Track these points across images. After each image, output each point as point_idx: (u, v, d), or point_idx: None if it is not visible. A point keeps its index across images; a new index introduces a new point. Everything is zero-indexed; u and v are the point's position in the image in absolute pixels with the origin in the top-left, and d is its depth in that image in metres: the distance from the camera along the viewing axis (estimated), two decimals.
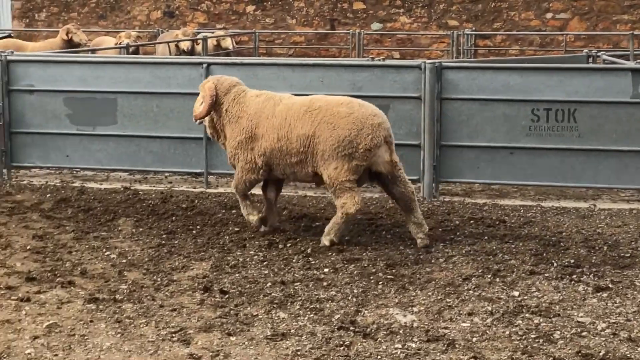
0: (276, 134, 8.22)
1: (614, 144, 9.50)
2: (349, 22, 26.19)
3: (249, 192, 8.69)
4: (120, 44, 16.85)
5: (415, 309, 6.59)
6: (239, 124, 8.40)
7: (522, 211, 9.44)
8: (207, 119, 8.62)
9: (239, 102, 8.47)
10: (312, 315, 6.48)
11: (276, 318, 6.44)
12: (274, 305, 6.68)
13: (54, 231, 8.76)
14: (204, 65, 10.17)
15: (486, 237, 8.41)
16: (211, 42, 20.22)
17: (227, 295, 6.91)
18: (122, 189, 10.54)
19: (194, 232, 8.72)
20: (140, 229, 8.84)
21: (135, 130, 10.46)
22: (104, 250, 8.15)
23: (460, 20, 25.46)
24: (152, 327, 6.26)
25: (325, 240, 8.18)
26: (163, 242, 8.39)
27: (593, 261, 7.68)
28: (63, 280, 7.28)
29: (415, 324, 6.29)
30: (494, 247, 8.07)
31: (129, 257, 7.93)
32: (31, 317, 6.46)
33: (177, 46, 19.02)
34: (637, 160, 9.49)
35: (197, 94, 9.99)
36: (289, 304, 6.72)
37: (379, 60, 10.24)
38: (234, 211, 9.46)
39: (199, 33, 21.26)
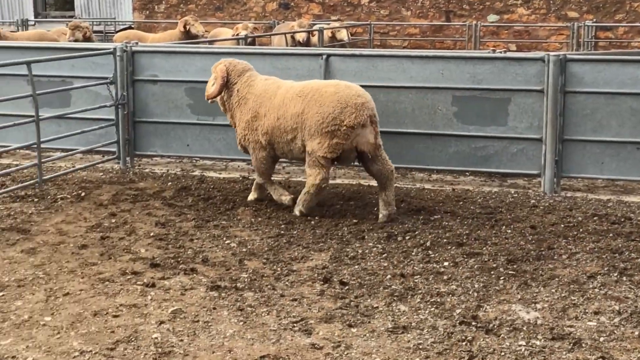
0: (276, 113, 8.88)
1: None
2: (464, 13, 25.88)
3: (273, 178, 9.51)
4: (237, 35, 17.07)
5: (538, 306, 6.46)
6: (246, 105, 9.11)
7: None
8: (218, 99, 9.30)
9: (249, 85, 9.17)
10: (432, 309, 6.43)
11: (397, 311, 6.40)
12: (394, 298, 6.65)
13: (176, 219, 8.91)
14: (323, 57, 10.19)
15: (611, 235, 8.19)
16: (327, 34, 20.26)
17: (347, 287, 6.91)
18: (240, 178, 10.66)
19: (312, 222, 8.75)
20: (259, 219, 8.91)
21: None
22: (224, 238, 8.25)
23: (580, 12, 24.87)
24: (274, 316, 6.30)
25: (296, 211, 8.95)
26: (282, 232, 8.45)
27: None
28: (186, 267, 7.40)
29: (539, 321, 6.17)
30: (620, 245, 7.85)
31: (249, 246, 8.01)
32: (156, 302, 6.59)
33: (292, 37, 19.13)
34: None
35: None
36: (409, 296, 6.68)
37: (500, 52, 10.06)
38: (351, 202, 9.45)
39: (314, 25, 21.35)
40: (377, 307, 6.47)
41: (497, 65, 9.70)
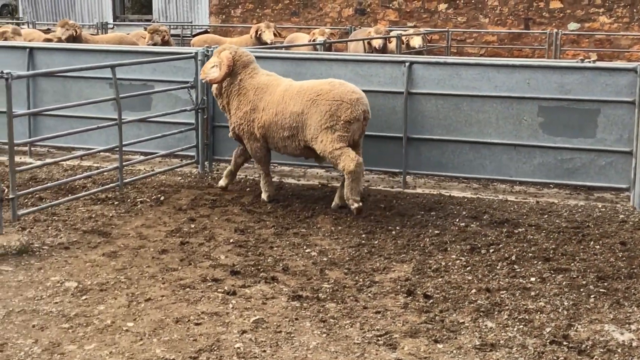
0: (274, 108, 9.24)
1: None
2: (544, 21, 25.47)
3: (270, 171, 9.97)
4: (314, 40, 16.98)
5: (633, 327, 6.22)
6: (246, 96, 9.44)
7: None
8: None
9: (252, 77, 9.50)
10: (521, 326, 6.23)
11: (484, 327, 6.23)
12: (481, 314, 6.46)
13: (255, 225, 8.84)
14: (406, 64, 10.03)
15: None
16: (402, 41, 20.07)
17: (431, 300, 6.75)
18: (319, 185, 10.56)
19: (393, 233, 8.60)
20: (339, 227, 8.79)
21: None
22: (304, 247, 8.15)
23: None
24: (357, 329, 6.18)
25: (354, 206, 8.95)
26: (363, 241, 8.31)
27: None
28: (266, 275, 7.31)
29: (634, 343, 5.93)
30: None
31: (330, 256, 7.89)
32: (238, 311, 6.51)
33: (369, 44, 18.97)
34: None
35: (398, 93, 9.96)
36: (496, 312, 6.50)
37: (589, 62, 9.79)
38: (432, 213, 9.28)
39: (391, 31, 21.18)
40: (463, 323, 6.30)
41: (586, 75, 9.44)
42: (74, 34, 16.54)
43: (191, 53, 10.81)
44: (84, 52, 11.69)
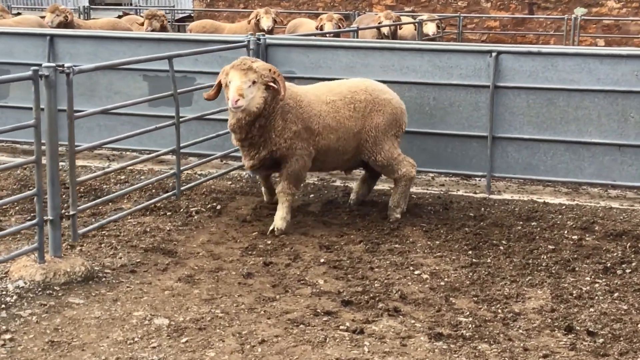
0: (335, 134, 8.14)
1: None
2: (549, 6, 24.52)
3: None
4: (321, 27, 15.76)
5: None
6: (291, 112, 7.85)
7: None
8: (260, 99, 7.56)
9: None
10: None
11: None
12: None
13: (339, 240, 7.72)
14: (493, 54, 8.91)
15: None
16: (413, 27, 18.98)
17: (599, 339, 5.68)
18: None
19: (502, 248, 7.53)
20: (436, 242, 7.69)
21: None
22: (411, 267, 7.04)
23: None
24: None
25: (397, 214, 8.33)
26: (473, 259, 7.22)
27: None
28: (385, 306, 6.21)
29: None
30: None
31: (445, 278, 6.81)
32: (378, 356, 5.38)
33: (378, 30, 17.83)
34: None
35: (484, 87, 8.92)
36: None
37: None
38: (533, 223, 8.21)
39: (401, 17, 20.05)
40: None
41: None
42: (65, 20, 15.22)
43: (243, 41, 9.57)
44: (112, 40, 10.41)
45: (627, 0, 23.78)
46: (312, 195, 9.15)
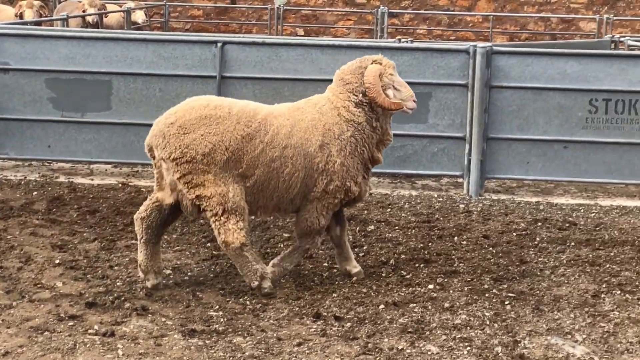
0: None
1: None
2: None
3: None
4: (20, 15, 15.08)
5: (577, 337, 5.72)
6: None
7: (582, 211, 8.73)
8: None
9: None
10: (465, 346, 5.53)
11: (427, 351, 5.45)
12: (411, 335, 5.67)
13: (72, 239, 7.44)
14: (219, 45, 8.92)
15: (573, 244, 7.62)
16: (120, 15, 18.63)
17: (345, 322, 5.84)
18: (119, 185, 9.17)
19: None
20: (174, 236, 7.60)
21: (133, 117, 9.11)
22: None
23: None
24: None
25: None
26: (214, 252, 7.20)
27: None
28: (132, 305, 6.04)
29: (590, 356, 5.45)
30: (591, 255, 7.31)
31: (189, 273, 6.73)
32: (133, 358, 5.22)
33: (83, 19, 17.28)
34: None
35: (209, 77, 8.92)
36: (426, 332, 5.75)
37: (406, 42, 9.26)
38: None
39: (106, 4, 19.57)
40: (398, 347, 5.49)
41: (417, 57, 8.89)
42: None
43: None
44: None
45: None
46: (35, 193, 8.71)
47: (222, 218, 6.12)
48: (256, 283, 6.23)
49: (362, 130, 6.39)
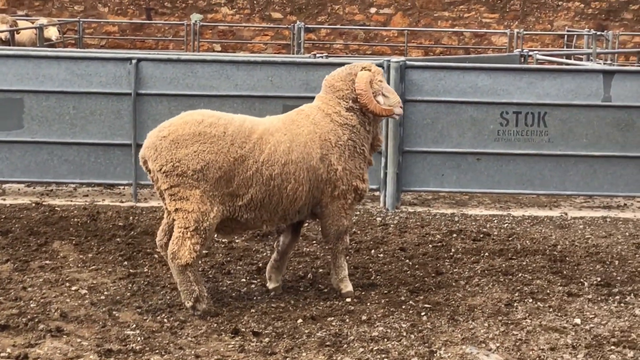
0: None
1: (585, 149, 9.15)
2: (166, 11, 24.84)
3: None
4: None
5: (491, 345, 5.83)
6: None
7: (495, 221, 8.90)
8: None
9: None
10: (383, 357, 5.59)
11: None
12: (329, 348, 5.71)
13: None
14: (133, 62, 8.86)
15: (487, 254, 7.79)
16: (32, 32, 18.36)
17: (263, 338, 5.86)
18: (33, 205, 9.02)
19: (156, 256, 7.51)
20: (89, 255, 7.52)
21: (46, 135, 8.99)
22: (67, 284, 6.81)
23: (284, 13, 24.83)
24: None
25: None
26: (131, 270, 7.15)
27: (619, 278, 7.24)
28: (46, 326, 5.94)
29: None
30: (504, 265, 7.49)
31: (105, 292, 6.66)
32: None
33: None
34: (606, 166, 9.19)
35: (124, 94, 8.86)
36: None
37: (320, 57, 9.33)
38: None
39: (18, 20, 19.30)
40: None
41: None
42: None
43: None
44: None
45: (239, 7, 24.73)
46: None
47: (188, 233, 6.09)
48: (190, 303, 6.22)
49: (358, 131, 6.53)
